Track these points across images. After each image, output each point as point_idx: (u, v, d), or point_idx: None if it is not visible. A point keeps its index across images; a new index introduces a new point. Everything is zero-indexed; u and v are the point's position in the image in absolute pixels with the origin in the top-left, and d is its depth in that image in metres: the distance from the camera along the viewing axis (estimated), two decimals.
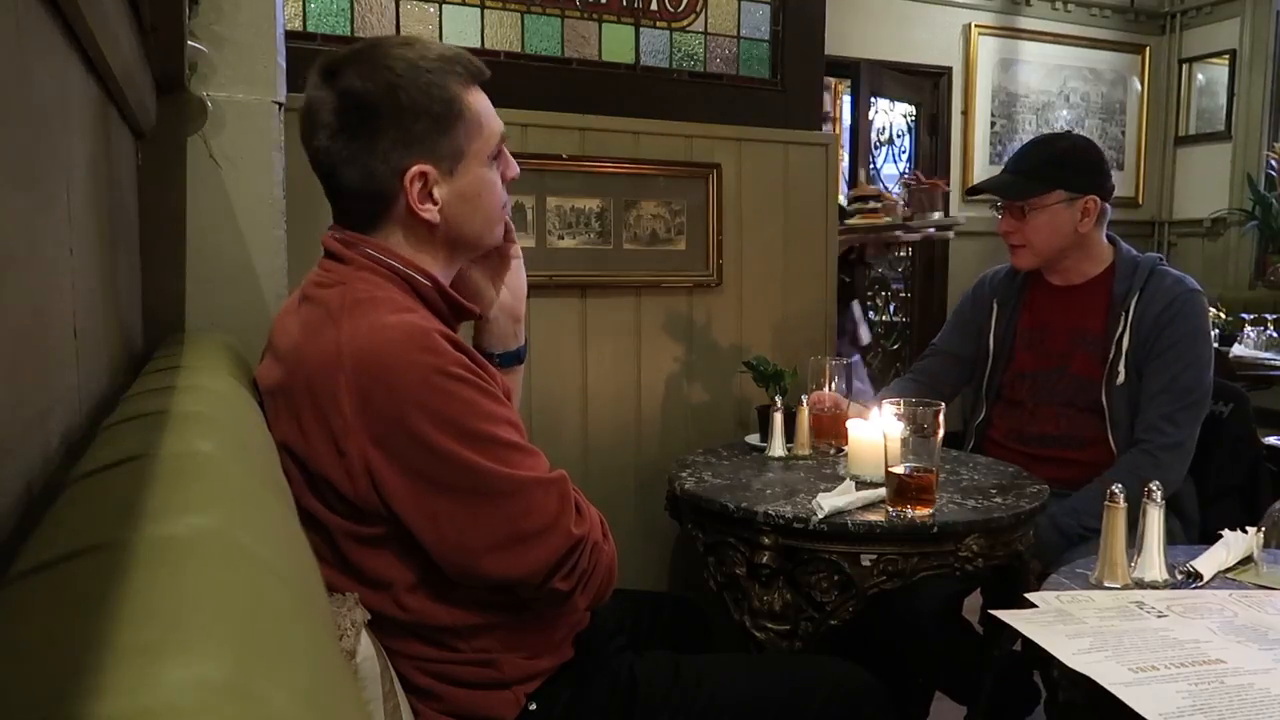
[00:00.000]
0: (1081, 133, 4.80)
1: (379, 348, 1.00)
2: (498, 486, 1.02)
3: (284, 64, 1.41)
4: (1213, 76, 5.08)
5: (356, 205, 1.12)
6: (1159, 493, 1.23)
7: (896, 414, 1.48)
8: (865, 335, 2.85)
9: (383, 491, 1.00)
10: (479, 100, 1.13)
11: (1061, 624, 1.07)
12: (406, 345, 1.00)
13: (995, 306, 2.04)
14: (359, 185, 1.09)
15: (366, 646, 0.93)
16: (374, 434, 0.99)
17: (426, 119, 1.08)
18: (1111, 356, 1.86)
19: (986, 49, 4.65)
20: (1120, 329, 1.86)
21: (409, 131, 1.07)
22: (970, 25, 4.59)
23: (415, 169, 1.08)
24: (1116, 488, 1.23)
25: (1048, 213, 1.88)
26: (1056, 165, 1.90)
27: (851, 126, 3.94)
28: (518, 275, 1.29)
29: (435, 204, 1.11)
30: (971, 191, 2.06)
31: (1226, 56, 4.96)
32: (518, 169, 1.20)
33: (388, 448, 0.99)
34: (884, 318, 4.40)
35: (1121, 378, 1.84)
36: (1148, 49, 5.10)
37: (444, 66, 1.09)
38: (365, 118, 1.07)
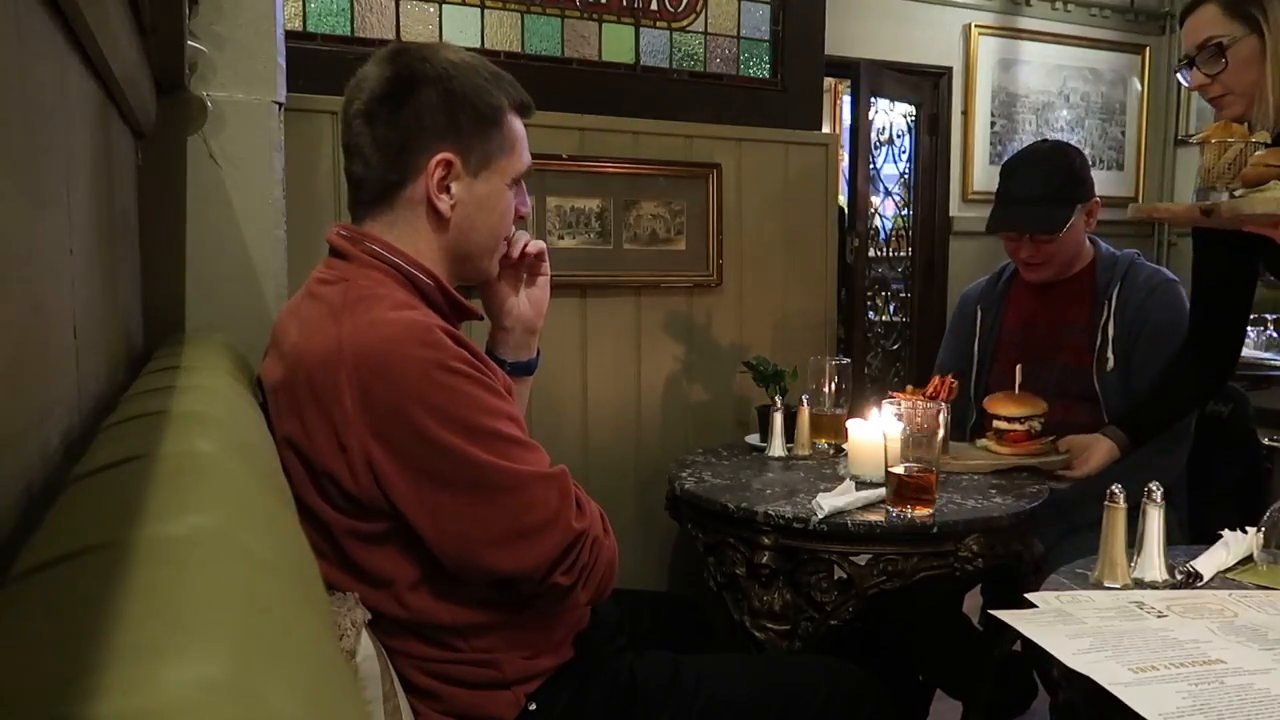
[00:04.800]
0: (1081, 133, 4.83)
1: (379, 343, 1.00)
2: (498, 481, 1.02)
3: (284, 64, 1.41)
4: None
5: (373, 176, 1.12)
6: (1159, 492, 1.22)
7: (896, 414, 1.48)
8: None
9: (384, 486, 1.01)
10: (518, 124, 1.18)
11: (1061, 624, 1.07)
12: (407, 340, 1.00)
13: (979, 313, 2.06)
14: (385, 155, 1.11)
15: (366, 646, 0.93)
16: (375, 429, 0.99)
17: (471, 112, 1.11)
18: (1099, 344, 1.88)
19: (986, 49, 4.65)
20: (1104, 316, 1.89)
21: (452, 118, 1.10)
22: (970, 25, 4.58)
23: (443, 155, 1.10)
24: (1116, 488, 1.23)
25: (1070, 230, 1.88)
26: (1069, 183, 1.88)
27: (851, 126, 3.93)
28: (543, 291, 1.32)
29: (450, 198, 1.12)
30: (995, 230, 1.92)
31: None
32: (529, 209, 1.24)
33: (389, 442, 1.00)
34: (884, 318, 4.40)
35: (1111, 363, 1.87)
36: (1148, 49, 5.10)
37: (497, 81, 1.15)
38: (414, 93, 1.10)
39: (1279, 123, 1.48)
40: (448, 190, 1.12)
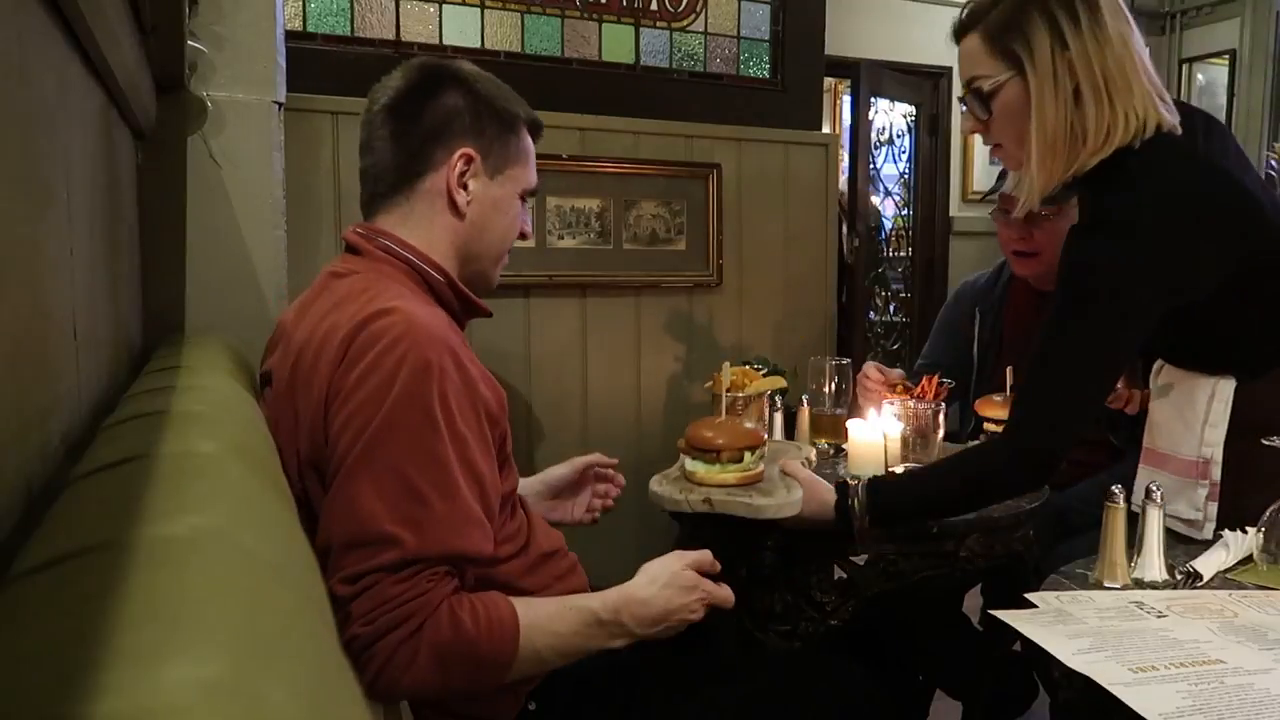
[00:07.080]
0: None
1: (360, 332, 0.98)
2: (374, 534, 0.92)
3: (284, 64, 1.41)
4: (1213, 77, 5.08)
5: (391, 165, 1.13)
6: (1159, 493, 1.22)
7: (896, 414, 1.48)
8: None
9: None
10: (530, 142, 1.21)
11: (1061, 624, 1.07)
12: (386, 335, 0.97)
13: (977, 315, 2.03)
14: (407, 145, 1.12)
15: None
16: (329, 411, 0.97)
17: (493, 116, 1.15)
18: None
19: None
20: None
21: (476, 118, 1.14)
22: None
23: (465, 150, 1.13)
24: (1116, 488, 1.23)
25: (1066, 218, 1.86)
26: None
27: (851, 126, 3.93)
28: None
29: (468, 194, 1.14)
30: (994, 192, 2.00)
31: (1226, 57, 4.95)
32: (531, 231, 1.26)
33: (330, 427, 0.97)
34: (884, 318, 4.40)
35: None
36: (1148, 49, 5.10)
37: (514, 96, 1.19)
38: (440, 91, 1.13)
39: (1044, 194, 1.25)
40: (465, 187, 1.14)
